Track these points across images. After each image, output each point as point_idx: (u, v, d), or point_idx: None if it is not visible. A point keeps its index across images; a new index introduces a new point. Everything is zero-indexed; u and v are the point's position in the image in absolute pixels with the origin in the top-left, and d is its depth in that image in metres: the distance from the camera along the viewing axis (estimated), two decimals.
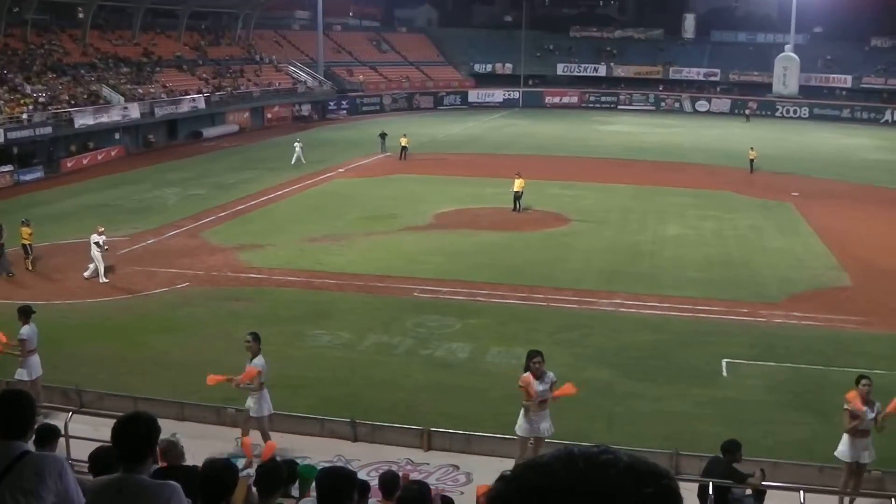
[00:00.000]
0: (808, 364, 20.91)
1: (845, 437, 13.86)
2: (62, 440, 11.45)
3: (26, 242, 28.57)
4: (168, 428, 12.18)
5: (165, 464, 9.38)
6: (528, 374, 14.15)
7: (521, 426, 14.30)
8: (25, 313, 17.02)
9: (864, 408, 13.59)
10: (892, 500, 11.48)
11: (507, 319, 24.33)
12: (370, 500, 9.15)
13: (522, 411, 14.28)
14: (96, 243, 27.68)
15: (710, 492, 11.31)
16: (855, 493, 13.89)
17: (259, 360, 15.06)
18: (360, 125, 74.12)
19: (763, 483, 12.02)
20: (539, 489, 1.46)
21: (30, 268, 28.64)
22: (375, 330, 23.27)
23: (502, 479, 1.52)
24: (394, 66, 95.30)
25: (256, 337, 15.30)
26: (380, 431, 16.27)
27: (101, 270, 27.72)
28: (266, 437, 15.24)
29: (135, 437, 4.86)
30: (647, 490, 1.47)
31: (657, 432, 17.00)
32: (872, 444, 13.78)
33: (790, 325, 24.23)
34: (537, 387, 14.03)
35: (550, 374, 14.26)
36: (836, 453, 13.96)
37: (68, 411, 14.01)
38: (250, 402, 15.20)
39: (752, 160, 51.34)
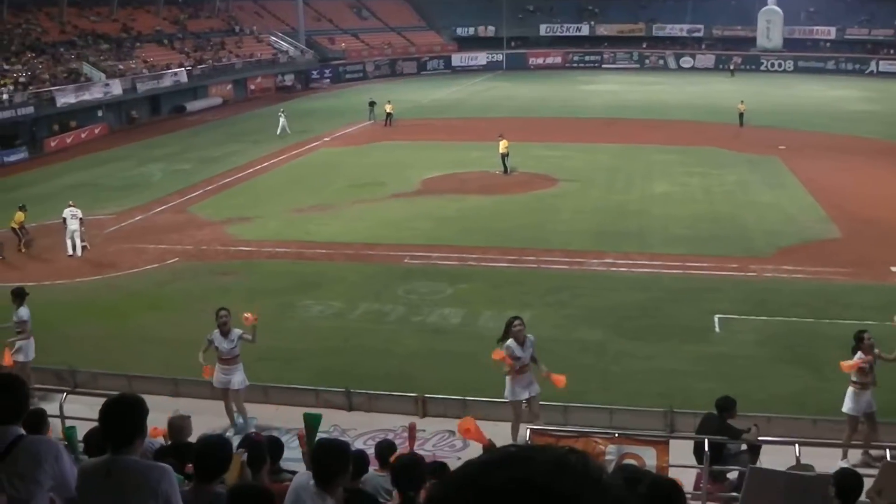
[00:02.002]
0: (799, 317, 21.00)
1: (850, 391, 13.90)
2: (57, 421, 11.45)
3: (15, 226, 28.52)
4: (163, 405, 12.23)
5: (171, 441, 9.38)
6: (499, 349, 14.30)
7: (507, 393, 14.46)
8: (20, 296, 17.03)
9: (868, 358, 13.68)
10: (887, 450, 11.51)
11: (497, 283, 24.34)
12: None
13: (508, 379, 14.36)
14: (64, 218, 28.30)
15: (706, 448, 11.36)
16: (867, 444, 13.91)
17: (238, 331, 15.30)
18: (344, 93, 73.79)
19: (758, 438, 12.08)
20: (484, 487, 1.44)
21: (22, 250, 28.56)
22: (367, 298, 23.26)
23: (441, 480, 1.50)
24: (375, 33, 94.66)
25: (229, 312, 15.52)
26: (375, 400, 16.31)
27: (76, 244, 28.17)
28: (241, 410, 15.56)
29: (122, 420, 4.84)
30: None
31: (651, 390, 17.06)
32: (873, 395, 13.87)
33: (780, 279, 24.30)
34: (518, 352, 14.10)
35: (531, 338, 14.32)
36: (843, 409, 14.01)
37: (63, 392, 14.00)
38: (238, 377, 15.36)
39: (741, 114, 51.23)
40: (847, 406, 13.95)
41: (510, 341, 14.18)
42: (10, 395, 5.09)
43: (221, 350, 15.24)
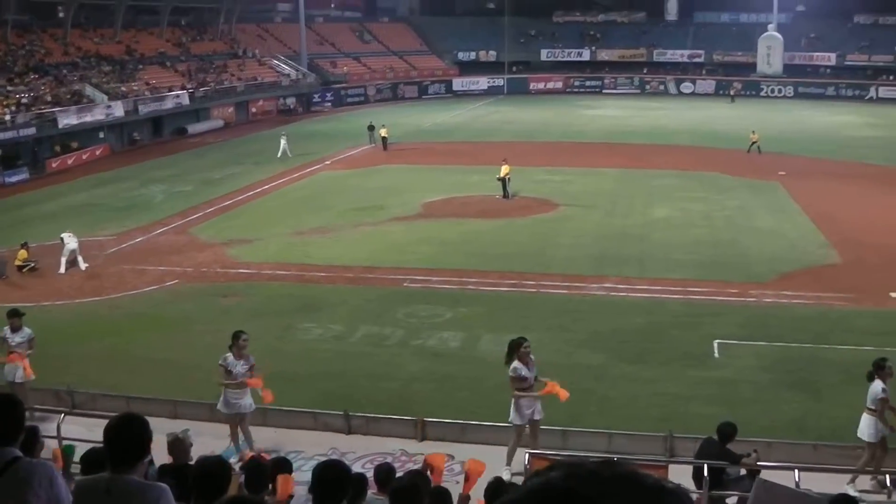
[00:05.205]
0: (799, 342, 20.94)
1: (867, 418, 13.58)
2: (54, 442, 11.41)
3: (19, 263, 28.54)
4: (162, 426, 12.19)
5: (171, 459, 9.37)
6: (516, 363, 14.13)
7: (514, 416, 14.21)
8: (19, 315, 17.02)
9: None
10: (887, 476, 11.47)
11: (498, 307, 24.31)
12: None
13: (513, 402, 14.21)
14: (62, 237, 28.90)
15: (705, 473, 11.32)
16: (878, 469, 13.69)
17: (251, 358, 15.15)
18: (346, 117, 73.99)
19: (758, 463, 12.03)
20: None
21: (23, 272, 28.52)
22: (366, 321, 23.22)
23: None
24: (377, 57, 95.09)
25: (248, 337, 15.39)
26: (374, 423, 16.23)
27: (76, 260, 28.72)
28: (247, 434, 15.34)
29: (127, 440, 4.81)
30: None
31: (651, 415, 17.02)
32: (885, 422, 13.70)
33: (780, 304, 24.27)
34: (524, 372, 14.01)
35: (532, 358, 14.27)
36: (863, 437, 13.65)
37: (60, 413, 13.95)
38: (247, 401, 15.13)
39: (755, 143, 50.56)
40: (866, 433, 13.60)
41: (516, 363, 14.04)
42: (7, 415, 5.05)
43: (237, 373, 14.99)
